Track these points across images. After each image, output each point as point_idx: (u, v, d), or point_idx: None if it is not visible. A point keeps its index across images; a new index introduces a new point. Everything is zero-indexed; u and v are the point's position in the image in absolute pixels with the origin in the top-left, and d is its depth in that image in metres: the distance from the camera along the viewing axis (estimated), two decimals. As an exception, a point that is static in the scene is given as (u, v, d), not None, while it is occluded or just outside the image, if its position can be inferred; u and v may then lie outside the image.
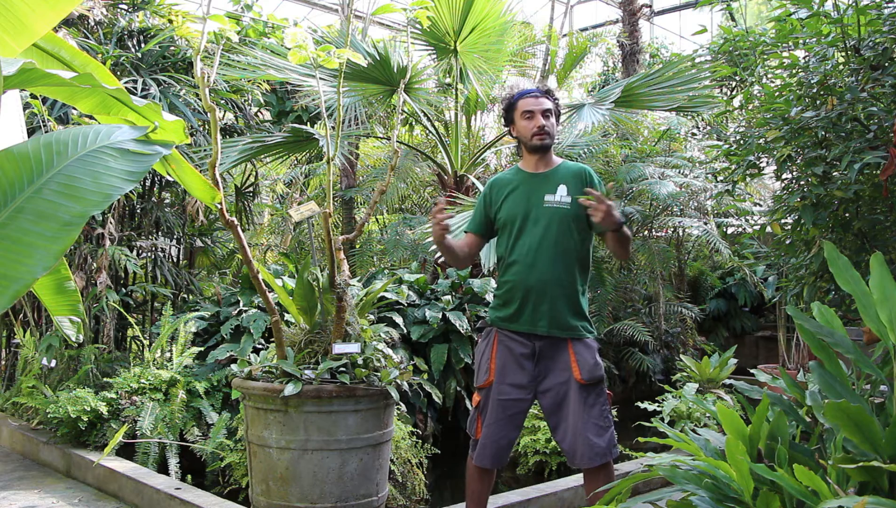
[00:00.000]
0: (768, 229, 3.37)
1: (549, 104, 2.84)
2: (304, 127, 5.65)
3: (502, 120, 3.00)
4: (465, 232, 2.99)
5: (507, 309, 2.79)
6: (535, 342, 2.74)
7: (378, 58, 5.33)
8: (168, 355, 4.62)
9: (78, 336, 2.24)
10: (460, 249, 2.88)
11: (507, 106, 2.89)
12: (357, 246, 7.46)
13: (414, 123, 7.85)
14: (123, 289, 5.41)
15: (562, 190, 2.78)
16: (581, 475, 3.64)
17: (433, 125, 6.23)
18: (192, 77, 5.20)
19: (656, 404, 4.69)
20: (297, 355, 3.20)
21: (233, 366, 3.46)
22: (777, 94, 3.17)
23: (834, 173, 2.99)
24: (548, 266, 2.72)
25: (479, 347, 2.91)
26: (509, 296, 2.78)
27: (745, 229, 7.07)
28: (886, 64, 2.81)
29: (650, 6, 10.49)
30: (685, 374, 5.42)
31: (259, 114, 6.93)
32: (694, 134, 7.95)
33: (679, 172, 6.67)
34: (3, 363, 5.81)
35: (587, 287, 2.87)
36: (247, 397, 3.17)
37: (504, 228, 2.84)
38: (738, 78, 3.68)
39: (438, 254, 4.87)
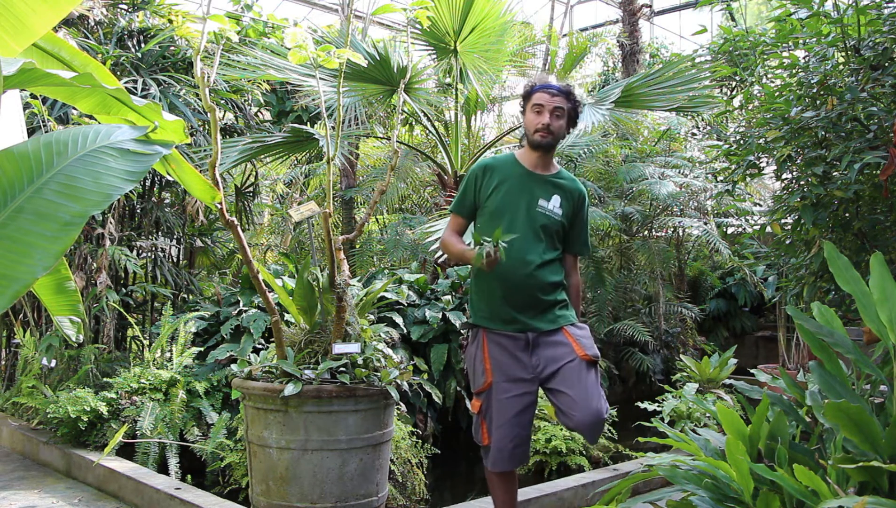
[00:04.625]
0: (768, 229, 3.37)
1: (562, 104, 2.77)
2: (304, 127, 5.65)
3: (520, 105, 2.94)
4: (454, 215, 2.90)
5: (496, 311, 2.75)
6: (527, 333, 2.72)
7: (378, 58, 5.33)
8: (168, 355, 4.62)
9: (78, 336, 2.24)
10: (461, 242, 2.84)
11: (525, 94, 2.85)
12: (357, 246, 7.46)
13: (414, 123, 7.85)
14: (123, 289, 5.41)
15: (556, 200, 2.78)
16: (580, 475, 3.64)
17: (433, 125, 6.23)
18: (192, 77, 5.20)
19: (656, 404, 4.69)
20: (297, 355, 3.20)
21: (233, 366, 3.46)
22: (777, 94, 3.17)
23: (834, 173, 2.99)
24: (534, 269, 2.71)
25: (468, 351, 2.85)
26: (494, 296, 2.74)
27: (745, 229, 7.07)
28: (886, 64, 2.81)
29: (650, 6, 10.48)
30: (685, 374, 5.42)
31: (259, 114, 6.92)
32: (694, 134, 7.95)
33: (679, 172, 6.67)
34: (3, 363, 5.81)
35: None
36: (247, 397, 3.17)
37: (490, 217, 2.77)
38: (738, 78, 3.69)
39: (438, 254, 4.87)
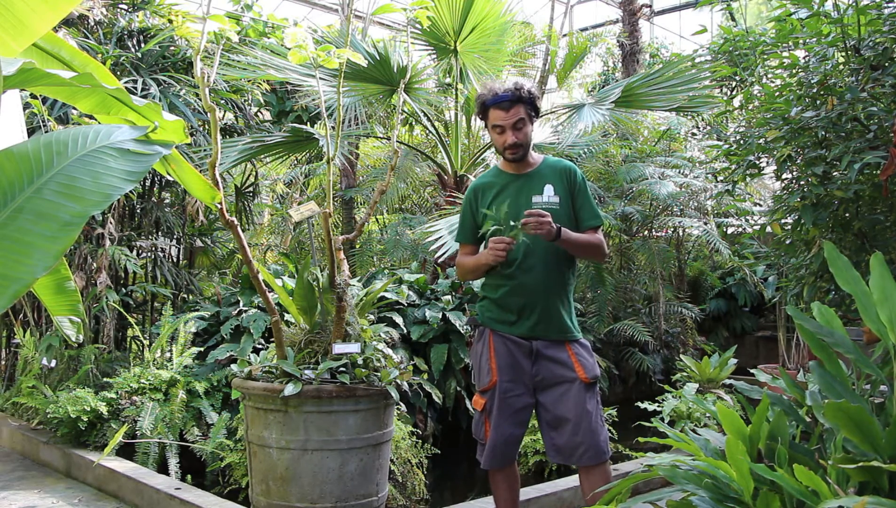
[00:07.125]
0: (768, 229, 3.37)
1: (520, 113, 2.71)
2: (304, 127, 5.65)
3: (478, 116, 2.87)
4: (462, 244, 2.92)
5: (503, 313, 2.77)
6: (532, 341, 2.74)
7: (378, 58, 5.33)
8: (168, 355, 4.62)
9: (78, 336, 2.24)
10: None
11: (480, 108, 2.79)
12: (357, 246, 7.46)
13: (414, 123, 7.85)
14: (123, 289, 5.41)
15: (549, 190, 2.76)
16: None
17: (433, 125, 6.23)
18: (192, 77, 5.20)
19: (656, 404, 4.68)
20: (297, 355, 3.20)
21: (233, 366, 3.46)
22: (777, 94, 3.17)
23: (834, 173, 2.99)
24: (543, 270, 2.70)
25: (474, 349, 2.88)
26: (505, 301, 2.76)
27: (745, 229, 7.07)
28: (886, 64, 2.81)
29: (650, 6, 10.49)
30: (685, 374, 5.42)
31: (259, 114, 6.92)
32: (694, 134, 7.95)
33: (679, 172, 6.67)
34: (3, 363, 5.81)
35: (575, 287, 2.89)
36: (247, 397, 3.17)
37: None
38: (738, 78, 3.69)
39: (438, 254, 4.87)
